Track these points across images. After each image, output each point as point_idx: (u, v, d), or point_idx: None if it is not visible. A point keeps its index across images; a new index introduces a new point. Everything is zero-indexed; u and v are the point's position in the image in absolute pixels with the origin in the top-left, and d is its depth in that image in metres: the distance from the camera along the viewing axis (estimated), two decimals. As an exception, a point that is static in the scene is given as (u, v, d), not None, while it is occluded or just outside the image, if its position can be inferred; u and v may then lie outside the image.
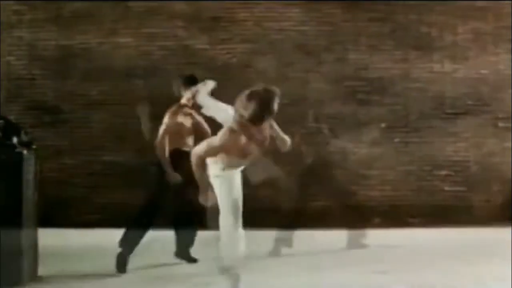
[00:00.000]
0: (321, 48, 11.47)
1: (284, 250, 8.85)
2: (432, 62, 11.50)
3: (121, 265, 7.57)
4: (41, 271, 7.28)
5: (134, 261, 7.80)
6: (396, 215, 11.20)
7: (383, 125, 11.19)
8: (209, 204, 6.09)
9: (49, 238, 7.64)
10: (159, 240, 8.21)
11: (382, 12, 11.49)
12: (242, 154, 5.94)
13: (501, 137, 11.53)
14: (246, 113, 5.78)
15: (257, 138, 5.91)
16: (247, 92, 5.97)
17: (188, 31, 11.44)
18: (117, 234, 10.15)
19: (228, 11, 11.42)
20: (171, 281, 7.38)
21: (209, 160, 6.01)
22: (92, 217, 11.15)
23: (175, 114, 7.73)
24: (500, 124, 11.50)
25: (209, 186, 6.02)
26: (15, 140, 6.81)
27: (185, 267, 8.00)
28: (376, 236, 10.19)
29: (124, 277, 7.47)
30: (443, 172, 11.49)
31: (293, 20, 11.47)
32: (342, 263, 8.23)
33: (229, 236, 6.12)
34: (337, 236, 9.52)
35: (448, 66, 11.53)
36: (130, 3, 11.42)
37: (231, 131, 5.85)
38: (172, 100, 8.01)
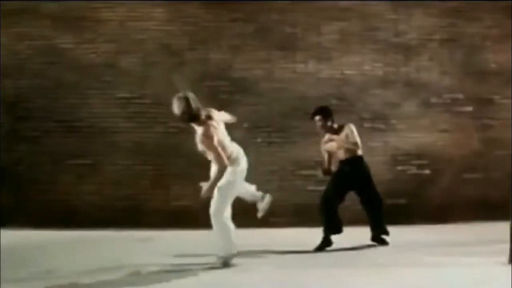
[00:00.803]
0: (184, 47, 11.50)
1: None
2: (296, 62, 11.54)
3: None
4: None
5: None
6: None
7: (245, 125, 11.15)
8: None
9: None
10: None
11: (245, 12, 11.56)
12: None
13: (367, 137, 11.49)
14: None
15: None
16: None
17: (54, 31, 11.48)
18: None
19: (93, 10, 11.47)
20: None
21: None
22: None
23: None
24: (365, 124, 11.50)
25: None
26: None
27: None
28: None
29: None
30: (306, 172, 11.48)
31: (156, 19, 11.54)
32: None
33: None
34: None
35: (312, 67, 11.57)
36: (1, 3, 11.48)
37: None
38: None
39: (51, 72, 11.43)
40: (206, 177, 10.80)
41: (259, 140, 11.46)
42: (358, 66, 11.60)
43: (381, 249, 9.06)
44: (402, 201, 11.52)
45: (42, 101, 11.45)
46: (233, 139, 11.01)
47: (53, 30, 11.49)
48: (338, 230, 9.06)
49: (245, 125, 11.15)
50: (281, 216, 11.21)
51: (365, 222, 9.35)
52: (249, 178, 11.33)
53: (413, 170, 11.72)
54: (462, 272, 7.26)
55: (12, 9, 11.48)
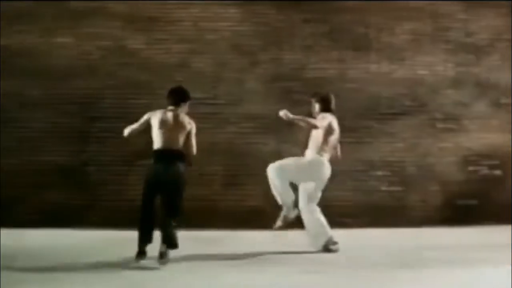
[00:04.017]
0: (256, 48, 11.50)
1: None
2: (369, 62, 11.53)
3: None
4: None
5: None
6: (331, 215, 11.15)
7: (319, 125, 11.12)
8: None
9: None
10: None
11: (318, 13, 11.54)
12: None
13: (438, 138, 11.53)
14: None
15: None
16: None
17: (125, 31, 11.48)
18: (55, 234, 10.31)
19: (165, 11, 11.46)
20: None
21: None
22: (28, 217, 11.13)
23: None
24: (438, 125, 11.49)
25: None
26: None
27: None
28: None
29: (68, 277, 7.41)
30: (380, 173, 11.46)
31: (229, 20, 11.53)
32: (275, 262, 8.16)
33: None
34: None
35: (385, 67, 11.55)
36: (69, 3, 11.48)
37: None
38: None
39: (123, 72, 11.43)
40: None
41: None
42: (430, 66, 11.58)
43: (457, 249, 9.00)
44: (473, 202, 11.48)
45: (113, 102, 11.45)
46: (307, 139, 11.13)
47: (124, 31, 11.49)
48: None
49: (318, 125, 11.10)
50: (354, 216, 11.21)
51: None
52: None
53: (484, 171, 11.67)
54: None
55: (81, 10, 11.49)
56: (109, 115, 11.41)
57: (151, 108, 11.14)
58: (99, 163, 11.43)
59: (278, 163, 8.72)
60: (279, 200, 8.74)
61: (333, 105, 8.98)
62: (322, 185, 8.84)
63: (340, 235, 10.25)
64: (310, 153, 8.89)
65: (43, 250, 9.12)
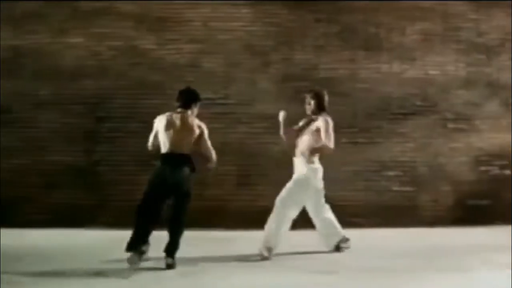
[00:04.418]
0: (268, 48, 11.49)
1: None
2: (380, 62, 11.53)
3: None
4: None
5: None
6: (342, 215, 11.16)
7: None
8: None
9: None
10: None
11: (329, 13, 11.54)
12: None
13: (449, 138, 11.54)
14: None
15: None
16: None
17: (136, 31, 11.47)
18: (65, 234, 10.31)
19: (175, 11, 11.45)
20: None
21: None
22: (39, 217, 11.12)
23: None
24: (449, 125, 11.50)
25: None
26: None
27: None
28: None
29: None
30: (391, 173, 11.46)
31: (240, 20, 11.51)
32: (287, 263, 8.16)
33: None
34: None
35: (396, 67, 11.55)
36: (79, 3, 11.47)
37: None
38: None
39: (134, 72, 11.42)
40: (289, 177, 10.92)
41: (343, 140, 11.38)
42: (441, 66, 11.58)
43: (467, 249, 9.01)
44: (484, 202, 11.48)
45: (124, 102, 11.43)
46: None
47: (134, 31, 11.48)
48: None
49: (330, 125, 11.10)
50: (365, 216, 11.21)
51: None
52: (334, 178, 11.44)
53: (495, 171, 11.66)
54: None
55: (92, 10, 11.48)
56: (119, 115, 11.42)
57: (161, 108, 11.16)
58: (109, 163, 11.42)
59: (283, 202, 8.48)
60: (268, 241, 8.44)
61: (326, 102, 8.79)
62: (321, 192, 8.80)
63: (351, 235, 10.26)
64: (298, 164, 8.71)
65: (53, 250, 9.14)
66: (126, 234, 10.16)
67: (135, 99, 11.39)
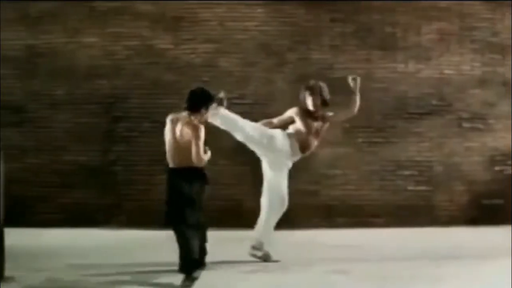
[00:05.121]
0: (284, 48, 11.49)
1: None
2: (396, 62, 11.53)
3: None
4: (6, 271, 7.22)
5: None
6: (358, 215, 11.21)
7: (346, 125, 11.13)
8: None
9: (13, 238, 7.62)
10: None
11: (345, 12, 11.54)
12: None
13: (465, 137, 11.55)
14: None
15: None
16: None
17: (152, 31, 11.47)
18: (81, 233, 10.33)
19: (191, 11, 11.45)
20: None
21: None
22: (56, 216, 11.15)
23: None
24: (464, 124, 11.51)
25: None
26: (-19, 140, 6.78)
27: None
28: (339, 236, 10.25)
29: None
30: (406, 172, 11.47)
31: (256, 20, 11.50)
32: (304, 262, 8.16)
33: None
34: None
35: (411, 66, 11.56)
36: (95, 3, 11.47)
37: None
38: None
39: (149, 72, 11.42)
40: (304, 177, 10.99)
41: (360, 140, 11.42)
42: (457, 65, 11.58)
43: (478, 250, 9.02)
44: (499, 201, 11.48)
45: (139, 101, 11.45)
46: (334, 139, 11.19)
47: (150, 31, 11.47)
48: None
49: (346, 125, 11.12)
50: (380, 216, 11.23)
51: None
52: (350, 178, 11.49)
53: (510, 171, 11.66)
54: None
55: (107, 10, 11.48)
56: (135, 115, 11.43)
57: (177, 108, 11.18)
58: (125, 163, 11.43)
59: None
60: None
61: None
62: None
63: (367, 234, 10.32)
64: None
65: (69, 250, 9.17)
66: (141, 234, 10.26)
67: (150, 99, 11.40)
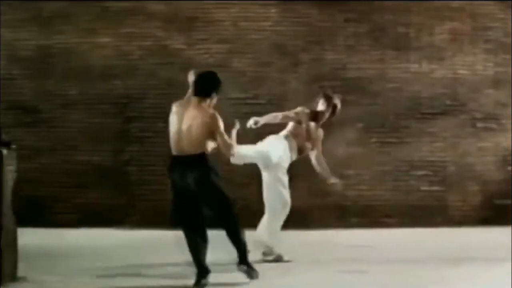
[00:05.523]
0: (298, 48, 11.51)
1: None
2: (409, 62, 11.55)
3: None
4: (19, 271, 7.19)
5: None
6: (372, 215, 11.23)
7: (360, 125, 11.17)
8: None
9: (26, 238, 7.59)
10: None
11: (359, 12, 11.55)
12: None
13: (478, 137, 11.56)
14: None
15: None
16: None
17: (165, 31, 11.48)
18: (94, 234, 10.34)
19: (205, 11, 11.47)
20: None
21: None
22: (69, 217, 11.17)
23: None
24: (478, 124, 11.53)
25: None
26: (-6, 140, 6.78)
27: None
28: (352, 236, 10.26)
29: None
30: (420, 172, 11.48)
31: (269, 20, 11.52)
32: (317, 262, 8.16)
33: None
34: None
35: (425, 66, 11.57)
36: (108, 3, 11.48)
37: None
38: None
39: (163, 72, 11.43)
40: (317, 177, 10.93)
41: (373, 140, 11.44)
42: (470, 66, 11.60)
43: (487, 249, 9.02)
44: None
45: (153, 102, 11.45)
46: (347, 139, 11.22)
47: (163, 31, 11.49)
48: None
49: (360, 125, 11.15)
50: (394, 216, 11.25)
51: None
52: (363, 179, 11.50)
53: (523, 171, 11.69)
54: None
55: (120, 10, 11.49)
56: (148, 115, 11.43)
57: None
58: (138, 163, 11.46)
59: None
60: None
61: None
62: None
63: (380, 234, 10.33)
64: None
65: (83, 250, 9.17)
66: (154, 234, 10.26)
67: (164, 99, 11.33)
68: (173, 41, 11.49)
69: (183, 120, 6.67)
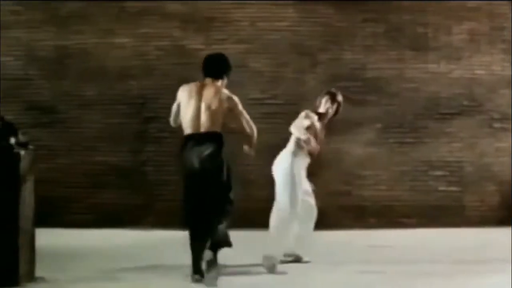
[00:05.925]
0: (316, 48, 11.51)
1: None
2: (427, 62, 11.56)
3: None
4: (37, 271, 7.17)
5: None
6: (389, 215, 11.22)
7: (378, 125, 11.17)
8: None
9: (43, 238, 7.53)
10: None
11: (377, 12, 11.57)
12: None
13: (496, 138, 11.55)
14: None
15: None
16: None
17: (183, 31, 11.49)
18: (111, 234, 10.33)
19: (223, 11, 11.47)
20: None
21: None
22: (86, 217, 11.18)
23: None
24: (495, 125, 11.52)
25: None
26: (12, 140, 6.74)
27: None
28: (370, 236, 10.25)
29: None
30: (438, 173, 11.48)
31: (287, 20, 11.53)
32: (335, 262, 8.16)
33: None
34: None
35: (443, 67, 11.58)
36: (125, 4, 11.49)
37: None
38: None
39: (180, 72, 11.37)
40: (336, 178, 10.99)
41: (391, 140, 11.43)
42: (488, 66, 11.60)
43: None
44: (526, 202, 11.50)
45: (170, 102, 11.32)
46: (366, 139, 11.23)
47: (181, 31, 11.51)
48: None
49: (378, 125, 11.15)
50: (412, 216, 11.24)
51: None
52: (381, 179, 11.50)
53: (540, 172, 11.67)
54: None
55: (138, 10, 11.50)
56: (166, 115, 11.35)
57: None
58: (156, 163, 11.46)
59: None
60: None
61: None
62: None
63: (398, 235, 10.32)
64: None
65: (100, 250, 9.18)
66: (171, 235, 10.23)
67: (180, 99, 11.39)
68: (190, 41, 11.49)
69: (202, 97, 6.78)
